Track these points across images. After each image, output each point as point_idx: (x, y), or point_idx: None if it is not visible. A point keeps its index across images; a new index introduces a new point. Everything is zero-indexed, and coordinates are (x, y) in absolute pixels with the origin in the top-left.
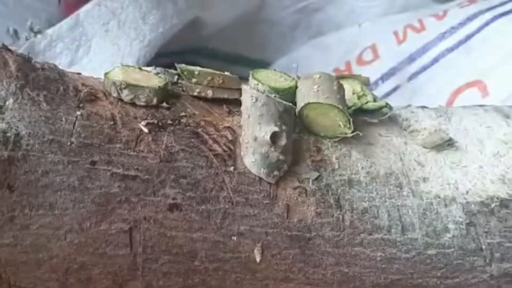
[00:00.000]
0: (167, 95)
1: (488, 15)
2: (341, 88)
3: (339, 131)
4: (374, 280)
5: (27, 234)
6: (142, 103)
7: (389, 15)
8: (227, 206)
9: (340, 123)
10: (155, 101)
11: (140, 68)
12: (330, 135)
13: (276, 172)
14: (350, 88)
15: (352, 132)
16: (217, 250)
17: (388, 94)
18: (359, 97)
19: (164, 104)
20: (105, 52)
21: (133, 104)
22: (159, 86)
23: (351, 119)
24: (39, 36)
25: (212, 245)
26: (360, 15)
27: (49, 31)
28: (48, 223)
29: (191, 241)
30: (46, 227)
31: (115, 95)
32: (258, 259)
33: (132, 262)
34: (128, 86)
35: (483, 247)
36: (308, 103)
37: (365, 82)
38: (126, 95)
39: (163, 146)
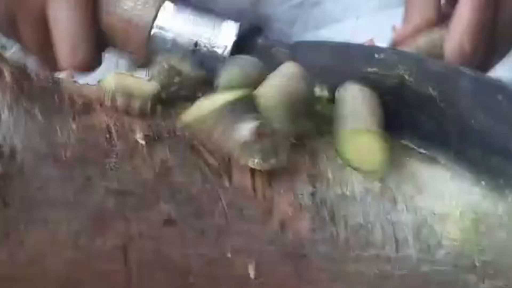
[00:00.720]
0: (161, 102)
1: None
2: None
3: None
4: None
5: (21, 249)
6: (136, 111)
7: (387, 9)
8: (222, 222)
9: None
10: (149, 108)
11: (132, 75)
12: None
13: (272, 160)
14: None
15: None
16: (212, 266)
17: None
18: None
19: (158, 112)
20: None
21: (128, 114)
22: (153, 94)
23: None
24: None
25: (206, 261)
26: (358, 9)
27: None
28: (43, 238)
29: (185, 256)
30: (41, 243)
31: (109, 103)
32: (252, 276)
33: (126, 278)
34: (122, 94)
35: (477, 264)
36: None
37: None
38: (120, 102)
39: (158, 160)
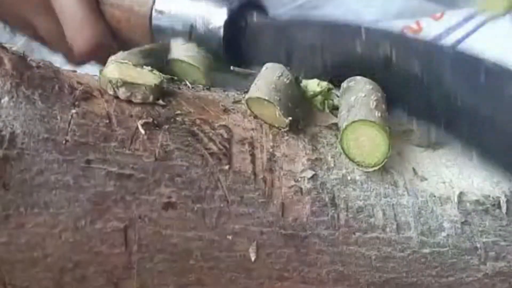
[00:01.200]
0: (163, 92)
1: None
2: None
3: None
4: (369, 279)
5: (22, 232)
6: (139, 101)
7: (386, 18)
8: (222, 205)
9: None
10: (151, 98)
11: (134, 65)
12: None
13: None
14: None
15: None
16: (212, 249)
17: None
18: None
19: (160, 102)
20: None
21: (128, 101)
22: (155, 84)
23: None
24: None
25: (207, 244)
26: (357, 14)
27: None
28: (43, 221)
29: (186, 239)
30: (41, 226)
31: (111, 92)
32: (253, 258)
33: (127, 261)
34: (125, 83)
35: (478, 246)
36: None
37: None
38: (122, 92)
39: (159, 144)
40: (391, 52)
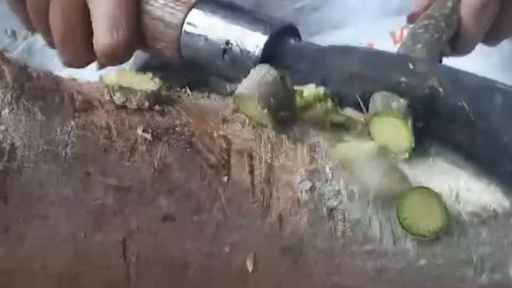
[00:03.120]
0: (161, 100)
1: None
2: None
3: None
4: None
5: (21, 245)
6: (134, 106)
7: (385, 17)
8: (220, 217)
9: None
10: (146, 104)
11: (136, 72)
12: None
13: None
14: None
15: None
16: (210, 260)
17: None
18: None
19: (156, 107)
20: None
21: (128, 112)
22: (152, 90)
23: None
24: (36, 36)
25: (205, 256)
26: (357, 15)
27: None
28: (43, 234)
29: (184, 251)
30: (41, 238)
31: (107, 98)
32: (250, 270)
33: (125, 273)
34: (121, 89)
35: (474, 257)
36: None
37: None
38: (118, 97)
39: (158, 156)
40: (438, 84)
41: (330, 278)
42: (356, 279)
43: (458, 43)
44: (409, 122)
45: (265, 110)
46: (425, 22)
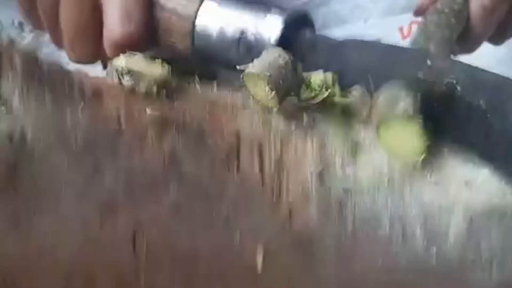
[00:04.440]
0: (170, 87)
1: None
2: None
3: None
4: None
5: (31, 234)
6: (142, 90)
7: (394, 12)
8: (230, 209)
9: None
10: (155, 89)
11: (145, 57)
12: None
13: None
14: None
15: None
16: (220, 252)
17: None
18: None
19: (164, 97)
20: None
21: (138, 102)
22: (160, 75)
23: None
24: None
25: (214, 248)
26: (365, 10)
27: None
28: (52, 224)
29: (193, 243)
30: (50, 230)
31: (116, 80)
32: (260, 264)
33: (135, 264)
34: (130, 72)
35: (484, 257)
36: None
37: None
38: (126, 80)
39: (168, 147)
40: (456, 82)
41: (340, 271)
42: (366, 273)
43: (465, 41)
44: (418, 124)
45: (273, 92)
46: (435, 17)
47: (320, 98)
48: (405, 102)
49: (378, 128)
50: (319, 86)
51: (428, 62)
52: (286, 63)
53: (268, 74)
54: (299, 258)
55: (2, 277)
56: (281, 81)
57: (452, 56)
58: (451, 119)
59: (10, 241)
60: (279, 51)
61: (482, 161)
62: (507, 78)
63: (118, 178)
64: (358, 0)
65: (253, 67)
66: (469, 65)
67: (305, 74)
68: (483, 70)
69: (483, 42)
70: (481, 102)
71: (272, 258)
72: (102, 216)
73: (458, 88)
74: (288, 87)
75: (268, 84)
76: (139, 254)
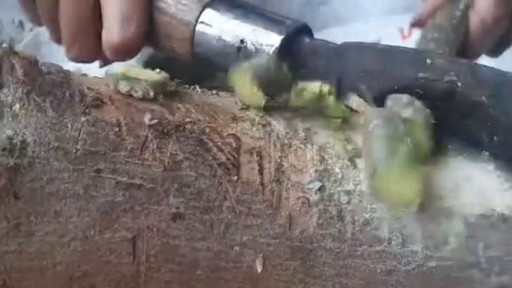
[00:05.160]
0: (167, 92)
1: None
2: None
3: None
4: None
5: (31, 241)
6: (139, 96)
7: (394, 13)
8: (230, 216)
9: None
10: (151, 94)
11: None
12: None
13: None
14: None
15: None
16: (220, 259)
17: None
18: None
19: (162, 98)
20: None
21: (139, 109)
22: (156, 80)
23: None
24: (43, 27)
25: (214, 255)
26: (365, 10)
27: None
28: (53, 230)
29: (193, 250)
30: (51, 235)
31: (112, 87)
32: (259, 269)
33: (135, 271)
34: (126, 78)
35: (482, 260)
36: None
37: None
38: (123, 86)
39: (168, 154)
40: (457, 79)
41: (339, 279)
42: (365, 280)
43: (463, 55)
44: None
45: (258, 90)
46: (435, 35)
47: (311, 107)
48: (414, 107)
49: (371, 177)
50: (316, 95)
51: (428, 61)
52: (270, 60)
53: (252, 70)
54: (298, 266)
55: (2, 280)
56: (266, 79)
57: None
58: (454, 117)
59: (11, 243)
60: (267, 57)
61: (486, 157)
62: (508, 72)
63: (119, 184)
64: (358, 0)
65: (240, 66)
66: (470, 63)
67: (301, 84)
68: (484, 67)
69: (480, 55)
70: (484, 98)
71: (271, 266)
72: (102, 222)
73: (460, 85)
74: (273, 85)
75: (252, 80)
76: (139, 260)
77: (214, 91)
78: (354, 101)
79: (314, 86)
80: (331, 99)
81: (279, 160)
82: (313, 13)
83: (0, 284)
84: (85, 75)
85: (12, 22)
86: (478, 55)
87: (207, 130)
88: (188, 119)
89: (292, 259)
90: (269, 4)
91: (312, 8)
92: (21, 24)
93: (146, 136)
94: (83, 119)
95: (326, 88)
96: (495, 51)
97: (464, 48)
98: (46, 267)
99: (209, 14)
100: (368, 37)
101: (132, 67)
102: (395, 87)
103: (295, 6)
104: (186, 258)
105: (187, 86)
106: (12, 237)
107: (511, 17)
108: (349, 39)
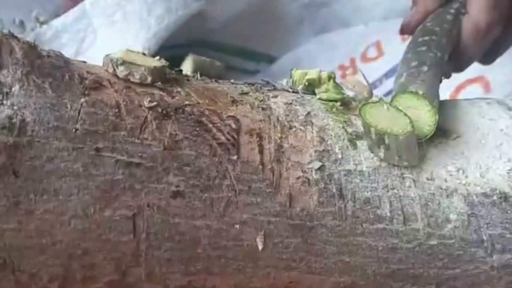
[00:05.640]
0: (165, 79)
1: None
2: None
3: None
4: (375, 270)
5: (31, 219)
6: (137, 80)
7: (394, 15)
8: (230, 194)
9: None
10: (149, 79)
11: (144, 54)
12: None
13: None
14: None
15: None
16: (220, 237)
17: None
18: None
19: (160, 84)
20: (110, 43)
21: (138, 92)
22: (154, 66)
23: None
24: (44, 26)
25: (214, 233)
26: (365, 12)
27: (55, 22)
28: (52, 208)
29: (194, 228)
30: (50, 213)
31: (110, 71)
32: (260, 247)
33: (135, 249)
34: (124, 63)
35: (484, 238)
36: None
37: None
38: (121, 71)
39: (167, 134)
40: None
41: (340, 257)
42: (366, 258)
43: (456, 61)
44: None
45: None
46: (426, 38)
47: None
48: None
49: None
50: (315, 80)
51: None
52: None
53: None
54: (299, 244)
55: (2, 258)
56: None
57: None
58: None
59: (10, 221)
60: None
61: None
62: None
63: (118, 163)
64: (359, 2)
65: None
66: None
67: (301, 70)
68: None
69: (472, 63)
70: None
71: (272, 244)
72: (102, 200)
73: None
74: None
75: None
76: (139, 238)
77: (213, 79)
78: (351, 81)
79: (313, 71)
80: (331, 83)
81: (279, 141)
82: (313, 15)
83: None
84: (84, 62)
85: (13, 21)
86: (470, 61)
87: (207, 112)
88: (187, 102)
89: (293, 236)
90: (270, 6)
91: (313, 9)
92: (22, 23)
93: (146, 117)
94: (82, 100)
95: (324, 73)
96: (488, 58)
97: (457, 53)
98: (46, 245)
99: None
100: (368, 39)
101: (131, 52)
102: None
103: (296, 8)
104: (186, 236)
105: (187, 73)
106: (11, 215)
107: (505, 23)
108: (349, 42)
